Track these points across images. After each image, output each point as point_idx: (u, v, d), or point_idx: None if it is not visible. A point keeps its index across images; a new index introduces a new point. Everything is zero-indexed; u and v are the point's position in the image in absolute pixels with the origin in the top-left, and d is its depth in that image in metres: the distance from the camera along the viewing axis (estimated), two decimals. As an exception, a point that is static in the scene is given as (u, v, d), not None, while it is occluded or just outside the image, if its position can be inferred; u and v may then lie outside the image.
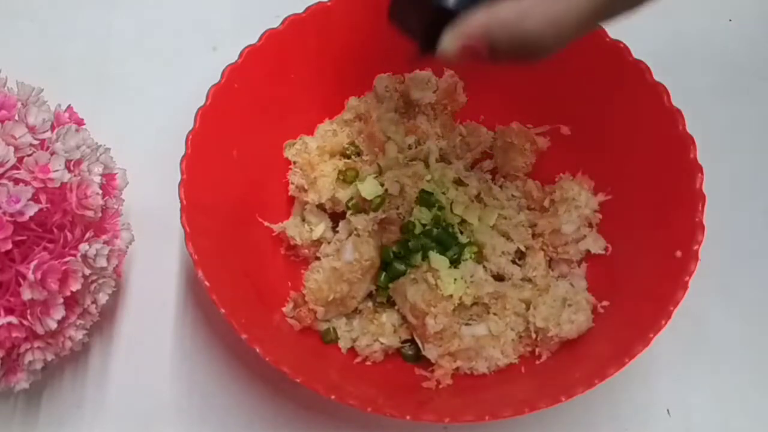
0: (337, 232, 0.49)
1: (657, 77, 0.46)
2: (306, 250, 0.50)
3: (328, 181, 0.49)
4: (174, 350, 0.49)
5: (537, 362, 0.46)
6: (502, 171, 0.52)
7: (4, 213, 0.35)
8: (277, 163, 0.51)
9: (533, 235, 0.50)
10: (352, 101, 0.52)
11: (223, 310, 0.41)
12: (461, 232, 0.48)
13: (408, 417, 0.40)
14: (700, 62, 0.58)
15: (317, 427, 0.47)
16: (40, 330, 0.38)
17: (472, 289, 0.46)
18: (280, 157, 0.51)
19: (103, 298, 0.42)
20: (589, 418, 0.47)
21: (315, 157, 0.50)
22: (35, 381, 0.42)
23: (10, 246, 0.36)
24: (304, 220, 0.50)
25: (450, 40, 0.33)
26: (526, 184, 0.51)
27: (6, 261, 0.37)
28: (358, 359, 0.47)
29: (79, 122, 0.44)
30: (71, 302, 0.40)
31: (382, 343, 0.47)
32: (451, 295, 0.45)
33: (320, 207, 0.50)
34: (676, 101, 0.45)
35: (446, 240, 0.47)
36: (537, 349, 0.46)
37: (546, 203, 0.50)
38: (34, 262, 0.37)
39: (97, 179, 0.40)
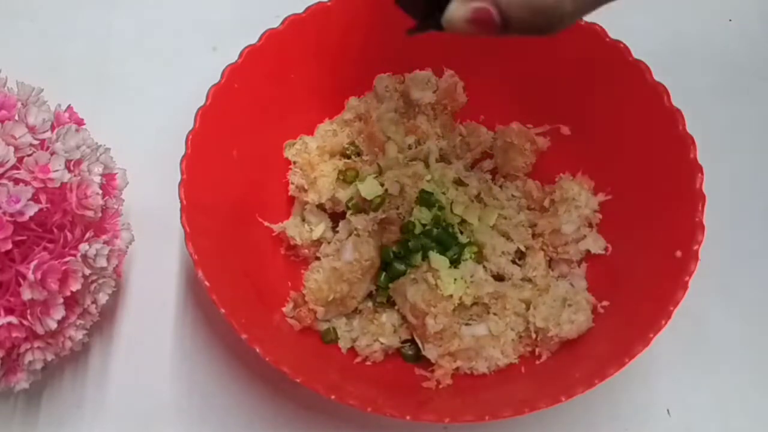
0: (337, 232, 0.49)
1: (657, 77, 0.46)
2: (306, 250, 0.50)
3: (328, 181, 0.49)
4: (174, 350, 0.49)
5: (537, 362, 0.46)
6: (502, 171, 0.52)
7: (4, 213, 0.35)
8: (277, 163, 0.51)
9: (533, 235, 0.50)
10: (352, 101, 0.52)
11: (223, 310, 0.40)
12: (461, 232, 0.48)
13: (408, 417, 0.40)
14: (700, 62, 0.58)
15: (317, 427, 0.47)
16: (40, 330, 0.38)
17: (472, 289, 0.46)
18: (280, 157, 0.51)
19: (103, 298, 0.42)
20: (589, 418, 0.47)
21: (315, 157, 0.50)
22: (35, 381, 0.42)
23: (10, 246, 0.36)
24: (304, 220, 0.50)
25: (457, 8, 0.29)
26: (526, 184, 0.51)
27: (6, 261, 0.37)
28: (358, 359, 0.47)
29: (79, 122, 0.44)
30: (71, 302, 0.40)
31: (382, 343, 0.47)
32: (451, 295, 0.45)
33: (320, 207, 0.50)
34: (676, 101, 0.45)
35: (446, 240, 0.47)
36: (537, 349, 0.46)
37: (546, 203, 0.50)
38: (34, 262, 0.36)
39: (97, 179, 0.40)
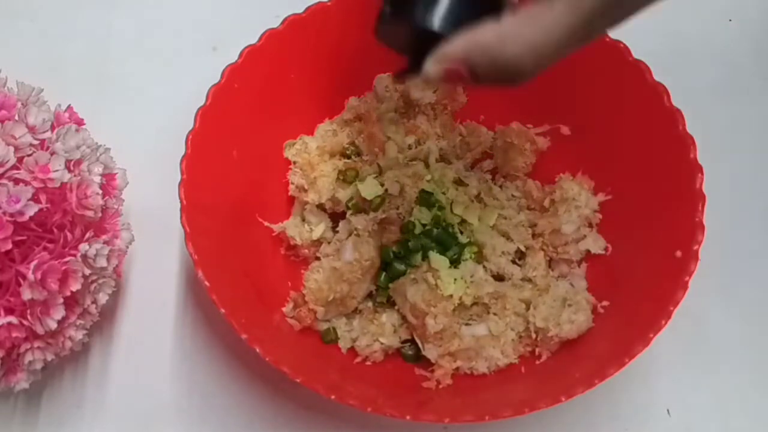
0: (337, 232, 0.49)
1: (657, 77, 0.46)
2: (306, 250, 0.50)
3: (328, 181, 0.49)
4: (174, 350, 0.49)
5: (537, 362, 0.46)
6: (502, 171, 0.52)
7: (4, 213, 0.35)
8: (277, 163, 0.51)
9: (533, 235, 0.50)
10: (352, 101, 0.52)
11: (223, 310, 0.41)
12: (461, 232, 0.48)
13: (408, 417, 0.40)
14: (700, 62, 0.58)
15: (317, 427, 0.47)
16: (40, 330, 0.38)
17: (472, 289, 0.46)
18: (280, 157, 0.51)
19: (103, 298, 0.42)
20: (589, 418, 0.47)
21: (315, 157, 0.50)
22: (35, 381, 0.42)
23: (10, 246, 0.36)
24: (304, 220, 0.50)
25: (432, 64, 0.33)
26: (526, 184, 0.51)
27: (6, 261, 0.37)
28: (358, 359, 0.47)
29: (79, 122, 0.44)
30: (71, 302, 0.40)
31: (382, 343, 0.47)
32: (451, 295, 0.45)
33: (320, 207, 0.50)
34: (676, 101, 0.45)
35: (446, 240, 0.47)
36: (537, 349, 0.46)
37: (546, 203, 0.50)
38: (34, 262, 0.37)
39: (97, 179, 0.40)
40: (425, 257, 0.46)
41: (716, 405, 0.48)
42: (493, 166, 0.53)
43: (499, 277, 0.48)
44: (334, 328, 0.48)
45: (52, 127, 0.40)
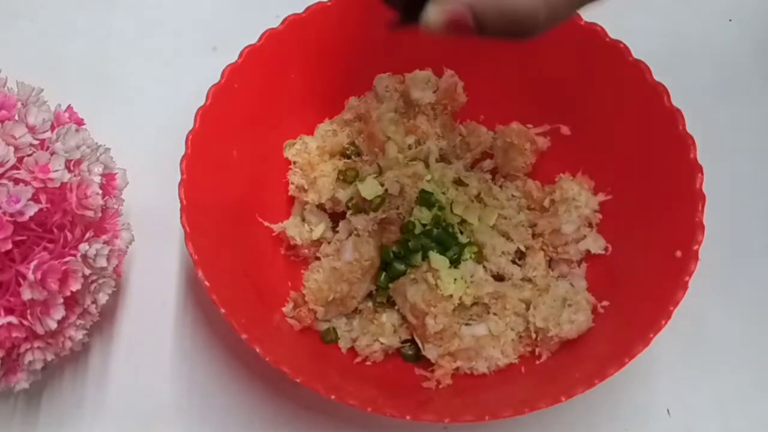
0: (337, 232, 0.49)
1: (657, 77, 0.46)
2: (306, 250, 0.50)
3: (328, 181, 0.49)
4: (174, 350, 0.49)
5: (537, 362, 0.46)
6: (502, 171, 0.52)
7: (4, 213, 0.35)
8: (277, 163, 0.51)
9: (533, 235, 0.50)
10: (352, 101, 0.52)
11: (223, 310, 0.41)
12: (461, 232, 0.48)
13: (408, 417, 0.40)
14: (700, 62, 0.58)
15: (317, 427, 0.47)
16: (40, 330, 0.38)
17: (472, 289, 0.46)
18: (280, 157, 0.51)
19: (103, 298, 0.42)
20: (589, 418, 0.47)
21: (315, 157, 0.50)
22: (35, 381, 0.42)
23: (10, 246, 0.36)
24: (304, 220, 0.50)
25: (434, 11, 0.30)
26: (526, 184, 0.51)
27: (6, 261, 0.37)
28: (358, 359, 0.47)
29: (79, 122, 0.44)
30: (71, 302, 0.40)
31: (382, 343, 0.47)
32: (451, 295, 0.45)
33: (320, 207, 0.50)
34: (676, 101, 0.45)
35: (446, 240, 0.47)
36: (537, 349, 0.46)
37: (546, 203, 0.50)
38: (34, 262, 0.37)
39: (97, 179, 0.40)
40: (425, 257, 0.46)
41: (716, 405, 0.48)
42: (493, 166, 0.53)
43: (499, 277, 0.48)
44: (334, 328, 0.48)
45: (52, 127, 0.40)
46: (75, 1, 0.59)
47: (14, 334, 0.38)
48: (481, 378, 0.46)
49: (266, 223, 0.50)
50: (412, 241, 0.47)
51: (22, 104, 0.39)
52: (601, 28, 0.47)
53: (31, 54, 0.57)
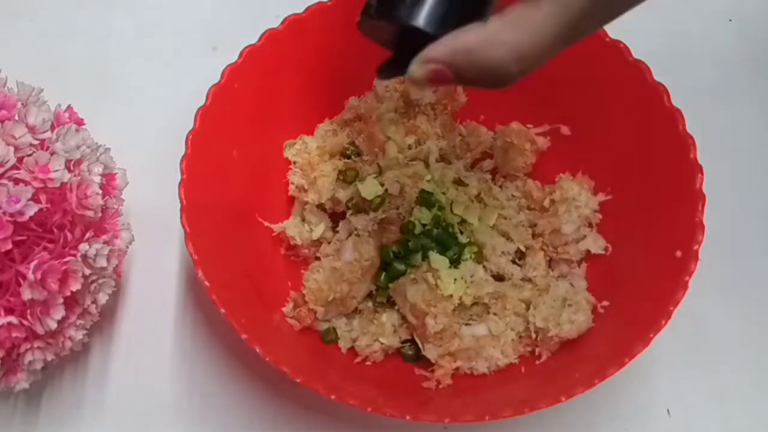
0: (337, 232, 0.49)
1: (657, 77, 0.46)
2: (306, 250, 0.50)
3: (328, 181, 0.49)
4: (174, 350, 0.49)
5: (537, 362, 0.46)
6: (502, 171, 0.52)
7: (4, 213, 0.35)
8: (277, 163, 0.51)
9: (533, 235, 0.50)
10: (352, 101, 0.52)
11: (223, 310, 0.41)
12: (461, 232, 0.48)
13: (408, 417, 0.40)
14: (700, 62, 0.58)
15: (317, 427, 0.47)
16: (40, 330, 0.38)
17: (472, 289, 0.46)
18: (280, 157, 0.51)
19: (103, 298, 0.42)
20: (589, 418, 0.47)
21: (315, 157, 0.50)
22: (35, 381, 0.42)
23: (10, 246, 0.36)
24: (304, 220, 0.50)
25: (418, 68, 0.33)
26: (526, 184, 0.51)
27: (6, 261, 0.37)
28: (358, 359, 0.47)
29: (79, 122, 0.44)
30: (71, 302, 0.40)
31: (382, 343, 0.47)
32: (451, 295, 0.45)
33: (320, 207, 0.50)
34: (676, 101, 0.45)
35: (446, 240, 0.47)
36: (537, 349, 0.46)
37: (546, 203, 0.50)
38: (34, 262, 0.37)
39: (97, 179, 0.40)
40: (425, 257, 0.46)
41: (716, 405, 0.48)
42: (493, 166, 0.53)
43: (499, 277, 0.48)
44: (334, 328, 0.48)
45: (52, 127, 0.40)
46: (75, 1, 0.59)
47: (14, 334, 0.38)
48: (481, 378, 0.46)
49: (266, 223, 0.50)
50: (412, 241, 0.47)
51: (22, 104, 0.39)
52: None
53: (31, 54, 0.57)
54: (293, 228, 0.49)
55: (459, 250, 0.47)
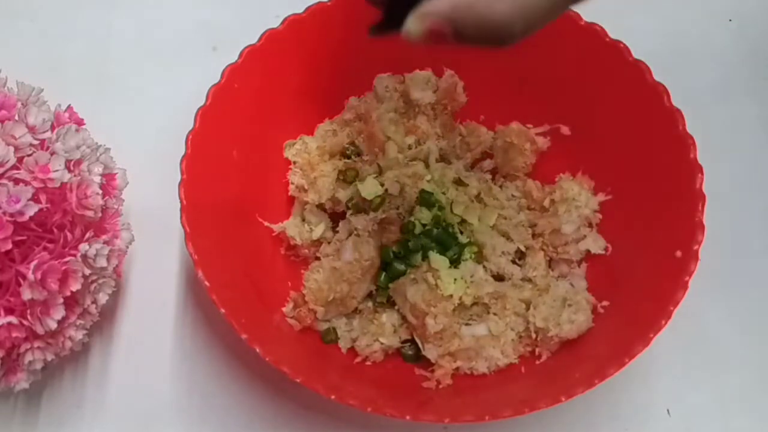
0: (337, 232, 0.49)
1: (657, 77, 0.46)
2: (306, 250, 0.50)
3: (328, 181, 0.49)
4: (174, 350, 0.49)
5: (537, 362, 0.46)
6: (502, 171, 0.52)
7: (4, 213, 0.35)
8: (277, 163, 0.51)
9: (533, 235, 0.50)
10: (352, 101, 0.52)
11: (223, 310, 0.41)
12: (461, 232, 0.48)
13: (408, 417, 0.40)
14: (700, 62, 0.58)
15: (317, 427, 0.47)
16: (40, 330, 0.38)
17: (472, 289, 0.46)
18: (280, 157, 0.51)
19: (103, 298, 0.42)
20: (589, 418, 0.47)
21: (315, 157, 0.50)
22: (35, 381, 0.42)
23: (10, 246, 0.36)
24: (304, 220, 0.50)
25: (414, 22, 0.31)
26: (526, 184, 0.51)
27: (6, 261, 0.37)
28: (358, 359, 0.47)
29: (79, 122, 0.44)
30: (71, 302, 0.40)
31: (382, 343, 0.47)
32: (451, 295, 0.45)
33: (320, 207, 0.50)
34: (676, 101, 0.45)
35: (446, 240, 0.47)
36: (537, 349, 0.46)
37: (546, 203, 0.50)
38: (34, 262, 0.36)
39: (97, 179, 0.40)
40: (425, 257, 0.46)
41: (716, 405, 0.48)
42: (493, 166, 0.53)
43: (499, 277, 0.48)
44: (334, 328, 0.48)
45: (52, 127, 0.40)
46: (75, 1, 0.59)
47: (14, 334, 0.38)
48: (481, 378, 0.46)
49: (266, 223, 0.50)
50: (412, 241, 0.47)
51: (22, 104, 0.39)
52: (601, 28, 0.47)
53: (31, 54, 0.57)
54: (293, 228, 0.49)
55: (459, 250, 0.47)
